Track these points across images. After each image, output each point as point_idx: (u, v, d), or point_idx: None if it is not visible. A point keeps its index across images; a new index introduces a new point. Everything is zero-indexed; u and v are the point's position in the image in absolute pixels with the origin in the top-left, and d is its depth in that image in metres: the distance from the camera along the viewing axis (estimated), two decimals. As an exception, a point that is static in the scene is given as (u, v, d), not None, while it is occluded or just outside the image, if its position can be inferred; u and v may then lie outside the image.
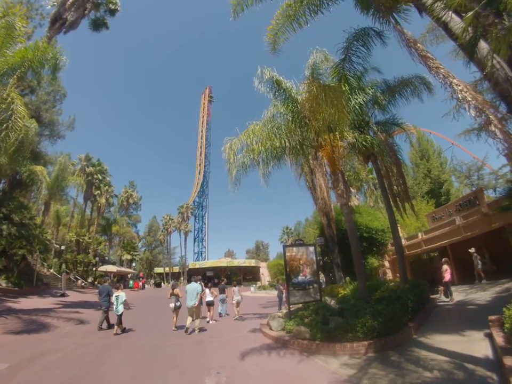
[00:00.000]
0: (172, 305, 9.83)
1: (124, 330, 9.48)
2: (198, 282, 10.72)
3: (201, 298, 10.62)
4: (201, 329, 9.82)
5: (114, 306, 9.33)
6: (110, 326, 9.69)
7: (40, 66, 11.13)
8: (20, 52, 10.50)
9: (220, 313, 13.30)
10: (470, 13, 4.21)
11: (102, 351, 7.20)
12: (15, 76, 10.11)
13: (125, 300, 9.44)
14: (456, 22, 5.21)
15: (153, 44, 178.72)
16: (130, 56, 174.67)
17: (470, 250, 14.54)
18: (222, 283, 14.87)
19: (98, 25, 22.27)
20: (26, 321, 10.32)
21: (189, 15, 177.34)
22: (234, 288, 13.31)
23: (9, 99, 9.60)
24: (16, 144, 10.49)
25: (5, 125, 9.35)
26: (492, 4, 4.88)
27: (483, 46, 4.94)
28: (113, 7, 21.88)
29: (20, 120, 9.66)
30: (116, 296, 9.42)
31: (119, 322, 9.28)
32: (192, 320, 9.63)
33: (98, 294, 10.15)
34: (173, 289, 10.23)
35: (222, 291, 13.59)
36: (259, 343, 7.70)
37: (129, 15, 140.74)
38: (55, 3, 19.85)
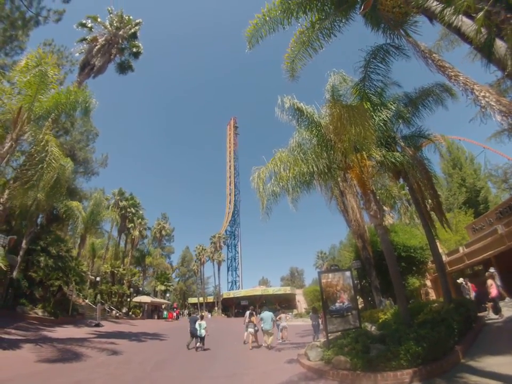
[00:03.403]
0: (251, 330, 12.77)
1: (204, 349, 12.20)
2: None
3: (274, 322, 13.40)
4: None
5: (198, 332, 12.26)
6: (196, 347, 12.29)
7: (72, 109, 12.09)
8: (53, 97, 11.42)
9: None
10: (481, 13, 4.10)
11: (135, 383, 7.16)
12: (50, 119, 11.00)
13: (205, 327, 12.42)
14: (468, 25, 5.07)
15: (178, 81, 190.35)
16: (156, 95, 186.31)
17: (458, 281, 14.30)
18: (277, 311, 16.52)
19: (124, 68, 23.87)
20: (60, 350, 10.46)
21: (210, 52, 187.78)
22: (282, 315, 15.29)
23: (44, 141, 10.39)
24: (52, 181, 11.24)
25: (40, 166, 10.07)
26: (500, 0, 4.73)
27: (500, 45, 4.74)
28: (136, 50, 23.45)
29: (54, 162, 10.38)
30: (198, 324, 12.42)
31: (202, 342, 12.34)
32: (268, 338, 12.50)
33: (189, 322, 13.32)
34: (250, 318, 13.29)
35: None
36: (296, 375, 7.37)
37: (154, 55, 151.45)
38: (83, 50, 21.59)
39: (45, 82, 11.10)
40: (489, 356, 6.34)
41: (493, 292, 10.98)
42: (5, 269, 17.16)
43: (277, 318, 13.69)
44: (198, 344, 12.25)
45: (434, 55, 5.40)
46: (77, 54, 21.96)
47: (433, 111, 10.71)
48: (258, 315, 14.81)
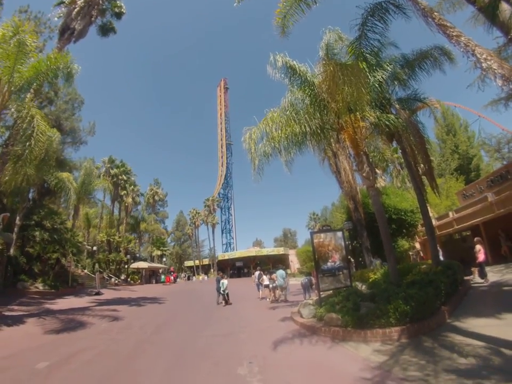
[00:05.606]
0: (271, 286, 14.79)
1: (227, 303, 14.80)
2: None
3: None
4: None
5: (222, 289, 14.85)
6: (227, 303, 14.95)
7: (54, 76, 11.45)
8: (33, 66, 10.79)
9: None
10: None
11: (136, 346, 7.43)
12: (32, 90, 10.36)
13: (227, 285, 15.00)
14: (473, -17, 4.80)
15: (164, 43, 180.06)
16: (143, 57, 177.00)
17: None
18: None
19: (106, 30, 22.44)
20: (63, 320, 10.72)
21: (197, 10, 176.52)
22: (273, 275, 16.57)
23: (29, 117, 9.89)
24: (41, 155, 10.89)
25: (28, 144, 9.66)
26: None
27: (505, 7, 4.53)
28: (118, 10, 21.97)
29: (41, 136, 9.96)
30: (222, 282, 15.04)
31: (227, 298, 14.95)
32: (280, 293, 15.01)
33: (216, 281, 15.98)
34: (271, 276, 15.26)
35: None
36: (290, 332, 7.71)
37: (139, 15, 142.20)
38: (61, 14, 20.06)
39: (23, 51, 10.44)
40: (473, 318, 6.69)
41: (480, 256, 11.34)
42: (1, 247, 17.27)
43: (272, 276, 15.15)
44: (223, 303, 14.70)
45: (435, 13, 5.13)
46: (56, 19, 20.45)
47: (430, 74, 10.40)
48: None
